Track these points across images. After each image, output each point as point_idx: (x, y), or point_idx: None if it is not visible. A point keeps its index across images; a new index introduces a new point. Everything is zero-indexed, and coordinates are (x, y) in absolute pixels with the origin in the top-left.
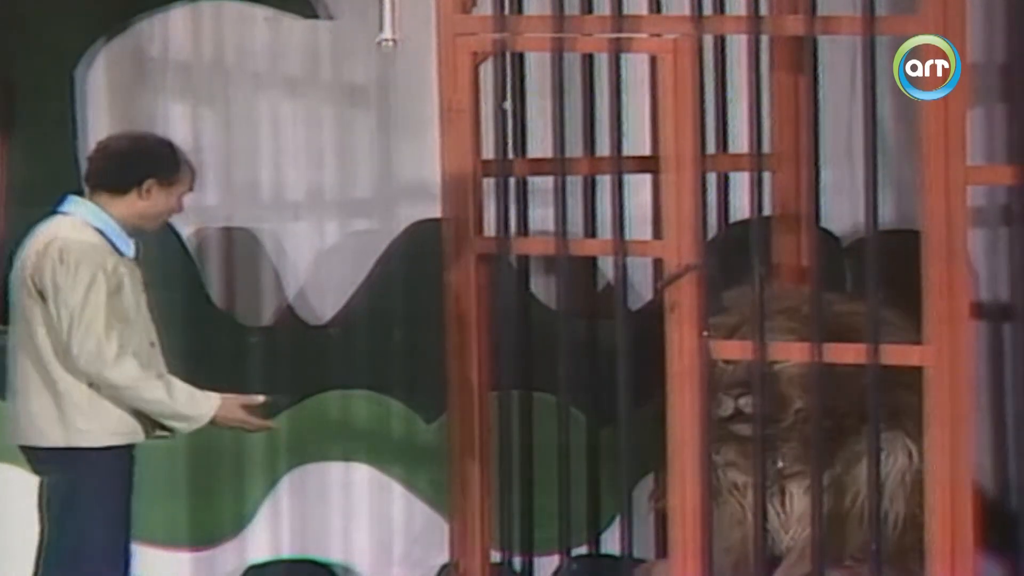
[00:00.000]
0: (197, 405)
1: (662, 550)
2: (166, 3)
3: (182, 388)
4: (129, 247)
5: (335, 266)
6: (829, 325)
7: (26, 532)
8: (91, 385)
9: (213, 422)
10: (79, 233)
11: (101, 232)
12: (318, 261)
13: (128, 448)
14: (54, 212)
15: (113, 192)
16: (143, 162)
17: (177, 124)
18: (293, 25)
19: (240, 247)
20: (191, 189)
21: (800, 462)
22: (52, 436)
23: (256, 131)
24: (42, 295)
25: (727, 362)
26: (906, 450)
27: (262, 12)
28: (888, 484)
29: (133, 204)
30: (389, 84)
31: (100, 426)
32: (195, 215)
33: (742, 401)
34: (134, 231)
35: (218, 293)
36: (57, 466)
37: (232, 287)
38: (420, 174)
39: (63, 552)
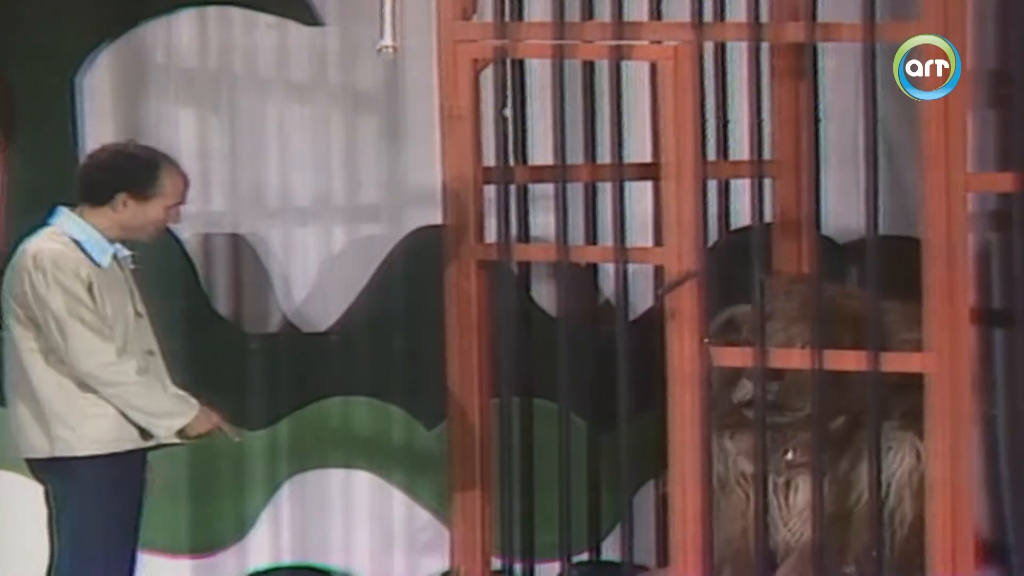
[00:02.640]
0: (183, 405)
1: (663, 557)
2: (170, 8)
3: (168, 389)
4: (105, 257)
5: (337, 272)
6: (851, 319)
7: (28, 539)
8: (81, 386)
9: (184, 431)
10: (52, 242)
11: (77, 243)
12: (321, 268)
13: (125, 456)
14: (44, 224)
15: (92, 204)
16: (114, 176)
17: (180, 130)
18: (298, 31)
19: (243, 253)
20: (182, 201)
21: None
22: (38, 447)
23: (261, 137)
24: (21, 305)
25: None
26: (915, 450)
27: (265, 19)
28: (895, 483)
29: (111, 217)
30: (395, 90)
31: (82, 435)
32: (199, 221)
33: (759, 389)
34: (118, 240)
35: (221, 299)
36: (50, 476)
37: (235, 293)
38: (426, 180)
39: (64, 561)
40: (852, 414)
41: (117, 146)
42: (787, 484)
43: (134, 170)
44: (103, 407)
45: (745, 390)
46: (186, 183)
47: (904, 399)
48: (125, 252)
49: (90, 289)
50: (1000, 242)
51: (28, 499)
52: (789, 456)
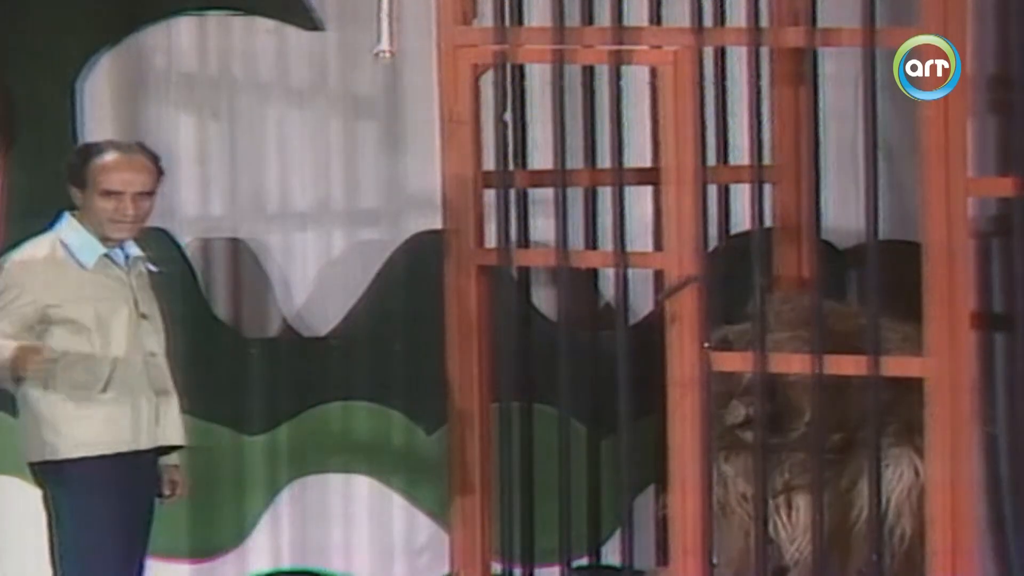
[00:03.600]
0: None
1: (663, 561)
2: (170, 14)
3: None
4: (91, 258)
5: (336, 277)
6: (843, 338)
7: (31, 544)
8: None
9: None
10: (36, 249)
11: (66, 246)
12: (321, 272)
13: (121, 459)
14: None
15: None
16: (64, 171)
17: (180, 135)
18: (298, 36)
19: (243, 258)
20: (143, 192)
21: (808, 473)
22: (33, 451)
23: (260, 142)
24: None
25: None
26: (913, 466)
27: (264, 24)
28: (894, 500)
29: (86, 215)
30: (395, 95)
31: (67, 439)
32: (198, 225)
33: (754, 409)
34: (111, 239)
35: (220, 304)
36: (47, 480)
37: (234, 298)
38: (426, 185)
39: (64, 566)
40: (849, 431)
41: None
42: (788, 503)
43: (72, 160)
44: (90, 410)
45: (737, 413)
46: (140, 171)
47: (900, 416)
48: (135, 253)
49: (69, 295)
50: (1001, 247)
51: (30, 504)
52: (787, 476)
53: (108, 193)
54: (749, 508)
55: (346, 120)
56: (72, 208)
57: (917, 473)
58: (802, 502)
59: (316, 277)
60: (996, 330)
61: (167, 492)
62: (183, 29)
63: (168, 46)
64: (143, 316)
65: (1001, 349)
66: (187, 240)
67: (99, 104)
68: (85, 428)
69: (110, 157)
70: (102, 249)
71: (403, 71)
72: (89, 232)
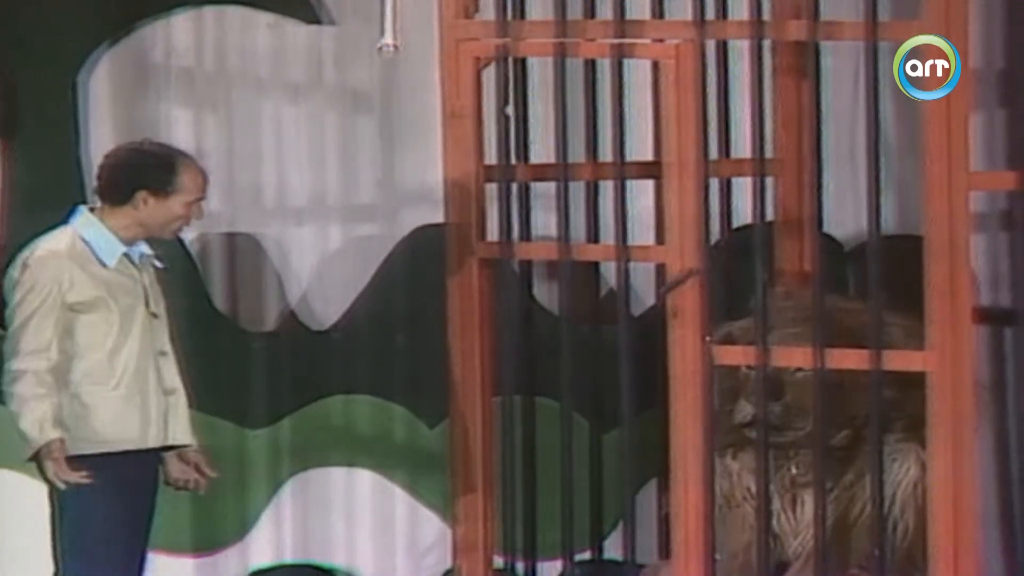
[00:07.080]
0: (38, 432)
1: (665, 555)
2: (169, 9)
3: (44, 413)
4: (113, 258)
5: (338, 271)
6: (851, 333)
7: (31, 539)
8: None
9: (35, 456)
10: (56, 243)
11: (87, 242)
12: (321, 266)
13: (125, 456)
14: (64, 222)
15: (111, 204)
16: (133, 175)
17: (180, 130)
18: (296, 30)
19: (243, 252)
20: (203, 197)
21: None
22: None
23: (259, 136)
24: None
25: (749, 367)
26: (919, 461)
27: (265, 18)
28: (899, 494)
29: (131, 215)
30: (393, 89)
31: (74, 436)
32: (201, 221)
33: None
34: (141, 239)
35: (221, 298)
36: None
37: (235, 292)
38: (424, 179)
39: (66, 561)
40: (855, 428)
41: (133, 145)
42: (793, 499)
43: (153, 167)
44: (98, 407)
45: (744, 412)
46: (205, 179)
47: (906, 410)
48: (146, 251)
49: (88, 294)
50: (1009, 241)
51: (30, 498)
52: (793, 471)
53: (195, 202)
54: (754, 503)
55: (344, 114)
56: (76, 203)
57: (923, 468)
58: (807, 497)
59: (318, 271)
60: (1005, 325)
61: (191, 478)
62: (184, 24)
63: (168, 40)
64: (154, 315)
65: (1011, 344)
66: (191, 236)
67: (100, 100)
68: (91, 426)
69: (194, 165)
70: (123, 248)
71: (401, 65)
72: (108, 230)
